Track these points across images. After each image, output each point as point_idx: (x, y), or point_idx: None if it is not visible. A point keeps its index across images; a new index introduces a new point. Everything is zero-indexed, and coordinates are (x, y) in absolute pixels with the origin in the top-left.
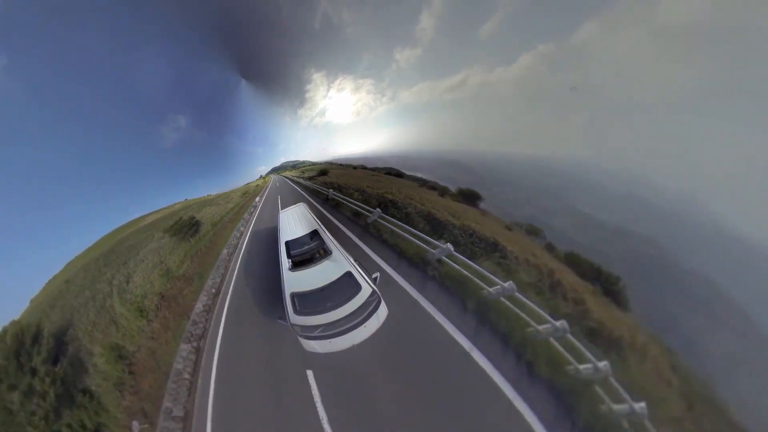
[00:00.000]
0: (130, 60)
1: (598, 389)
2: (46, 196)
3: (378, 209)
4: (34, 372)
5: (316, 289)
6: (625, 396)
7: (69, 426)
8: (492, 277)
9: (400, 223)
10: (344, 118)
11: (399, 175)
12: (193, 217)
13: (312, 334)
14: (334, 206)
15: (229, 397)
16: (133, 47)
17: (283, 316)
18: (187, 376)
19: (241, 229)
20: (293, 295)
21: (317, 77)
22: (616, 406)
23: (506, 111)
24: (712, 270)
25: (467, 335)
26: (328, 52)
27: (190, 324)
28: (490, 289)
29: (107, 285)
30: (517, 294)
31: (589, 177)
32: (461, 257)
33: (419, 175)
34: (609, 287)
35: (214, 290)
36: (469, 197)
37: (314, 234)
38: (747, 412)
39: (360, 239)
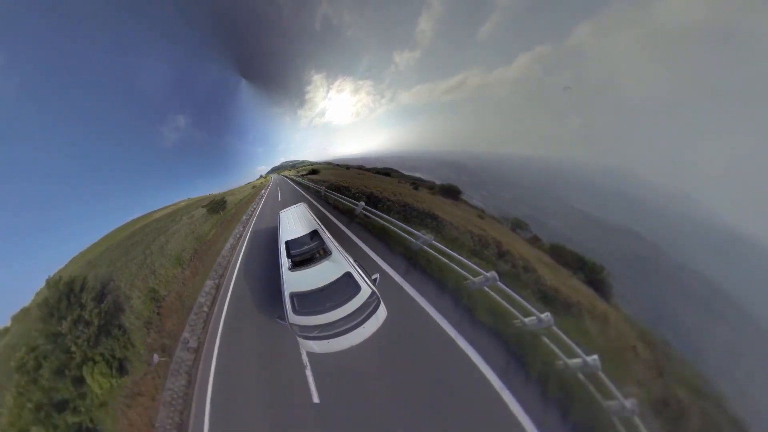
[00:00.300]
0: (131, 60)
1: (548, 342)
2: (44, 197)
3: (324, 187)
4: (82, 306)
5: (316, 289)
6: (577, 349)
7: (102, 355)
8: (412, 230)
9: (338, 194)
10: (344, 119)
11: (387, 174)
12: (224, 198)
13: (310, 334)
14: (306, 188)
15: (236, 325)
16: (133, 48)
17: (282, 315)
18: (206, 309)
19: (254, 206)
20: (292, 295)
21: (317, 78)
22: (570, 360)
23: (504, 112)
24: (704, 263)
25: (398, 272)
26: (328, 53)
27: (216, 265)
28: (415, 240)
29: (146, 248)
30: (440, 246)
31: (584, 176)
32: (383, 214)
33: (418, 174)
34: (592, 275)
35: (234, 241)
36: (450, 192)
37: (314, 234)
38: (737, 396)
39: (315, 201)
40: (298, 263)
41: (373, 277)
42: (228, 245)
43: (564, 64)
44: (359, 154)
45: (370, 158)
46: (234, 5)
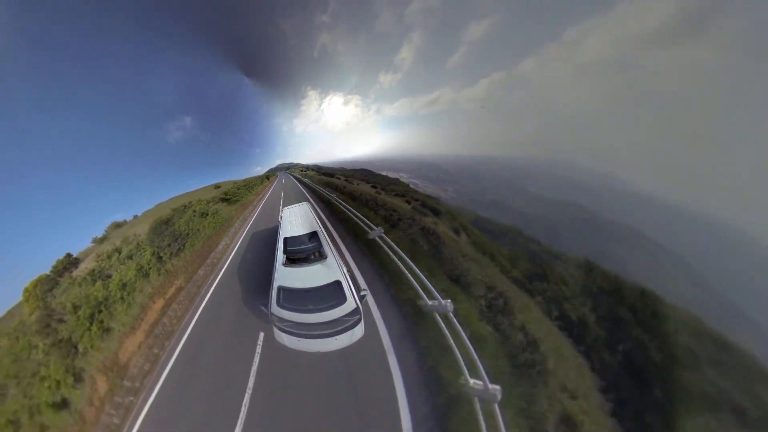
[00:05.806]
0: (153, 72)
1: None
2: (50, 189)
3: (300, 176)
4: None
5: (303, 288)
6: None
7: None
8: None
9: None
10: (335, 128)
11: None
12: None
13: (285, 328)
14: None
15: (245, 246)
16: (155, 57)
17: (266, 303)
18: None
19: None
20: (280, 288)
21: (312, 94)
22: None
23: (472, 122)
24: (624, 216)
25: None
26: (323, 75)
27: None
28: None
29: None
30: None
31: (535, 167)
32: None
33: (403, 175)
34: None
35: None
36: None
37: (313, 235)
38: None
39: (294, 179)
40: (292, 260)
41: (362, 293)
42: None
43: (515, 86)
44: (350, 157)
45: (360, 161)
46: (246, 31)
